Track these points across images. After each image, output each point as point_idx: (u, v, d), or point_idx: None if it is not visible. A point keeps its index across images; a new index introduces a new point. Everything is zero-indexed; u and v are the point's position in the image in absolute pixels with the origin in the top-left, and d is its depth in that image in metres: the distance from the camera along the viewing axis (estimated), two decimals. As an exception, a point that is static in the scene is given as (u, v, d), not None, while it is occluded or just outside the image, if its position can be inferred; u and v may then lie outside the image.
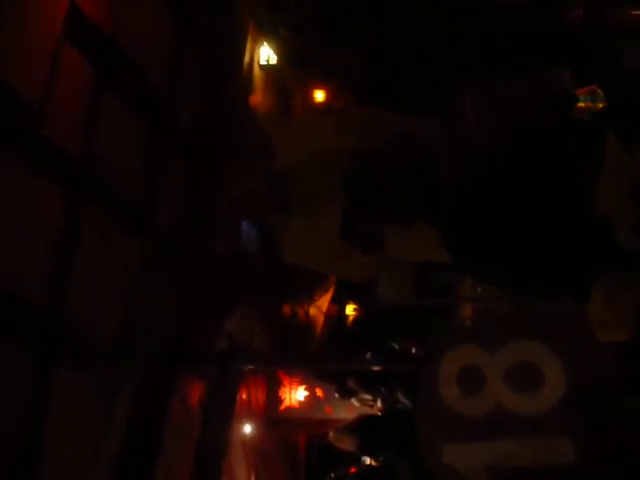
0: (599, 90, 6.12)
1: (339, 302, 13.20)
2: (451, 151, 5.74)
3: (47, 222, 6.32)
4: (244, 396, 10.57)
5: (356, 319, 13.07)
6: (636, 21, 7.54)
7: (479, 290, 9.48)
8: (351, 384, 10.56)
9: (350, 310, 13.32)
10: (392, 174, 5.61)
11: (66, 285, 6.47)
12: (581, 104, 6.08)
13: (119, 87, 7.40)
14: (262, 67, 11.49)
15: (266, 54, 11.45)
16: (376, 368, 9.84)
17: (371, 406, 10.61)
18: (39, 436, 6.09)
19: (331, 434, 10.55)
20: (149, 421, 7.61)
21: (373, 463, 10.43)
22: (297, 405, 11.58)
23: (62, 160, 6.51)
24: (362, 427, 10.10)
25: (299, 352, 11.50)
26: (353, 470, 11.42)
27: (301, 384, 11.56)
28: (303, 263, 7.95)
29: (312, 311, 12.44)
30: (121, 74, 7.48)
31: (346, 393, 10.75)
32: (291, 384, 11.59)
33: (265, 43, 11.33)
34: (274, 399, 11.60)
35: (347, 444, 10.25)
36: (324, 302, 12.66)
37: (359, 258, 7.17)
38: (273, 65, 11.53)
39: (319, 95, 12.55)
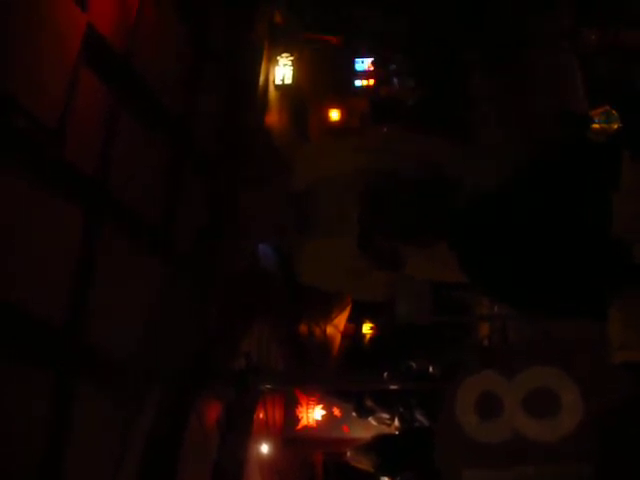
0: (614, 111, 6.12)
1: (356, 321, 13.20)
2: (468, 173, 5.76)
3: (66, 243, 6.36)
4: (261, 415, 10.56)
5: (373, 338, 13.05)
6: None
7: (496, 309, 9.46)
8: (368, 403, 10.53)
9: (367, 329, 13.31)
10: (409, 196, 5.62)
11: (86, 305, 6.51)
12: (596, 125, 6.08)
13: (136, 107, 7.45)
14: (277, 87, 11.57)
15: (281, 74, 11.56)
16: (393, 387, 9.80)
17: (389, 425, 10.58)
18: (60, 452, 6.13)
19: (348, 453, 10.52)
20: (167, 439, 7.62)
21: (390, 483, 10.40)
22: (314, 424, 11.56)
23: (80, 181, 6.55)
24: (379, 446, 10.06)
25: (316, 371, 11.49)
26: (370, 489, 11.39)
27: (318, 403, 11.53)
28: (319, 285, 7.95)
29: (329, 330, 12.43)
30: (138, 95, 7.54)
31: (363, 412, 10.72)
32: (308, 403, 11.57)
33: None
34: (291, 418, 11.58)
35: (364, 463, 10.22)
36: (341, 321, 12.65)
37: (375, 278, 7.17)
38: (288, 85, 11.62)
39: (334, 114, 12.62)
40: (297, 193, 7.56)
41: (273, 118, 11.28)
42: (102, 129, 6.90)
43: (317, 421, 11.51)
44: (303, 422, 11.55)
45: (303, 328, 11.85)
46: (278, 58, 11.54)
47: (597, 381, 3.04)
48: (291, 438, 11.53)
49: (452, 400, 3.06)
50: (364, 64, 13.28)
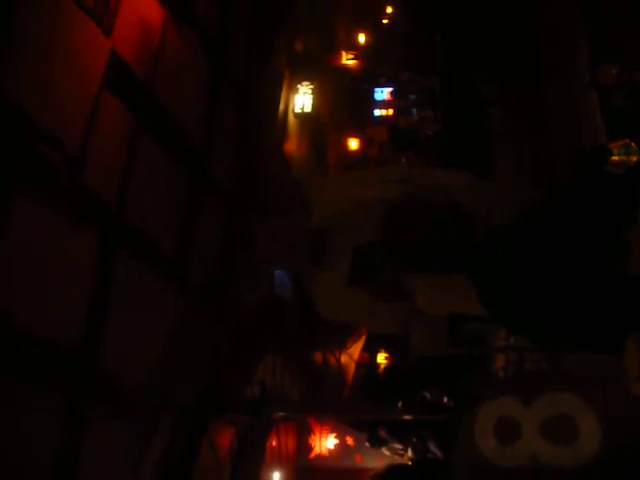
0: (633, 144, 6.11)
1: (371, 350, 13.17)
2: (485, 205, 5.76)
3: (82, 269, 6.38)
4: (274, 443, 10.53)
5: (388, 368, 13.01)
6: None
7: (512, 341, 9.42)
8: (382, 433, 10.47)
9: (382, 358, 13.28)
10: (427, 227, 5.63)
11: (101, 333, 6.51)
12: (615, 158, 6.06)
13: (156, 134, 7.50)
14: (297, 115, 11.63)
15: (301, 102, 11.62)
16: (407, 417, 9.75)
17: (402, 455, 10.51)
18: (71, 478, 6.12)
19: (361, 484, 10.48)
20: (180, 466, 7.59)
21: (403, 514, 10.32)
22: (327, 453, 11.52)
23: (98, 207, 6.58)
24: (392, 477, 10.00)
25: (330, 400, 11.46)
26: (383, 521, 11.30)
27: (331, 432, 11.51)
28: (339, 319, 7.94)
29: (344, 359, 12.41)
30: (159, 123, 7.59)
31: (377, 442, 10.65)
32: (321, 432, 11.54)
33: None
34: (304, 447, 11.55)
35: (377, 495, 10.15)
36: (356, 350, 12.64)
37: (391, 310, 7.14)
38: (308, 113, 11.67)
39: (353, 143, 12.65)
40: (313, 226, 7.58)
41: (292, 146, 11.34)
42: (122, 155, 6.94)
43: (330, 450, 11.48)
44: (316, 451, 11.51)
45: (318, 357, 11.84)
46: (298, 86, 11.62)
47: (615, 410, 3.03)
48: (304, 466, 11.50)
49: (471, 424, 3.06)
50: (383, 94, 13.35)
